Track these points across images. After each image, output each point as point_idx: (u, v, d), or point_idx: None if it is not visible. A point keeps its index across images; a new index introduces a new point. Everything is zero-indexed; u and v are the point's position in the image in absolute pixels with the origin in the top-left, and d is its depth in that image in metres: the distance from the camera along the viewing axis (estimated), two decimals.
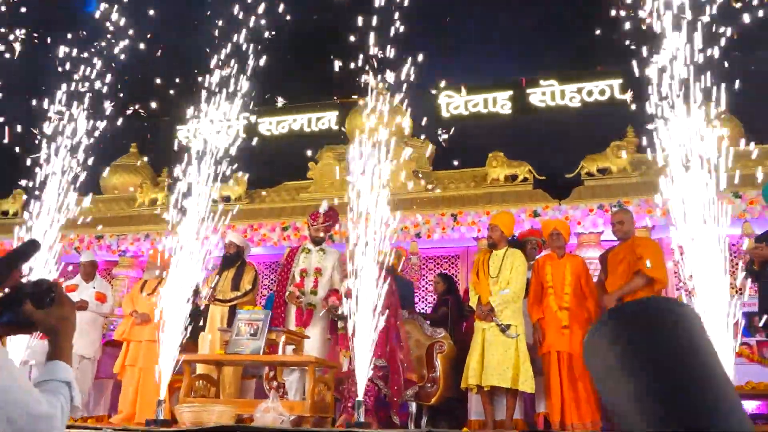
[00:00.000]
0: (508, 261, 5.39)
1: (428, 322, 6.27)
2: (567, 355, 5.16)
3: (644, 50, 4.27)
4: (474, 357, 5.25)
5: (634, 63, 4.35)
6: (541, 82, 10.25)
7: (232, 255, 6.42)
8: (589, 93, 9.99)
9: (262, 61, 7.75)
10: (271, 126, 11.33)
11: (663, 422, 0.95)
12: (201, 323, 6.11)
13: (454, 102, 10.57)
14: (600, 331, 1.13)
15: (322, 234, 6.33)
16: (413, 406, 5.60)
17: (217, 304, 6.18)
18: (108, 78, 6.58)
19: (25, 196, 10.55)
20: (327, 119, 11.16)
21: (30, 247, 1.19)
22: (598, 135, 9.28)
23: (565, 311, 5.24)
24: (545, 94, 10.21)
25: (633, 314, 1.13)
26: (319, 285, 6.07)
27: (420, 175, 8.46)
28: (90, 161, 6.69)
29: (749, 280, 5.19)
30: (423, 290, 9.00)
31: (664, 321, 1.10)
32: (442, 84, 10.42)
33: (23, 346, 6.36)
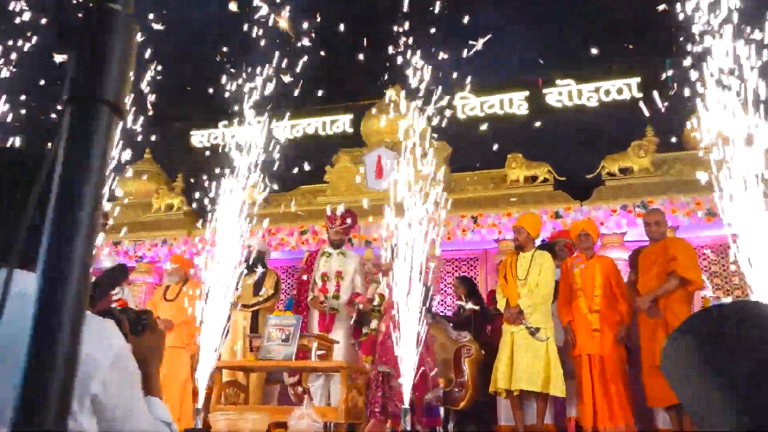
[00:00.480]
0: (536, 263, 5.32)
1: (451, 324, 6.20)
2: (598, 357, 5.08)
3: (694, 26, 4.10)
4: (503, 360, 5.18)
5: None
6: (558, 81, 10.16)
7: (254, 260, 6.37)
8: (607, 92, 9.90)
9: (277, 65, 7.72)
10: (285, 130, 11.28)
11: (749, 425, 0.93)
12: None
13: (469, 103, 10.49)
14: (682, 338, 1.10)
15: (343, 237, 6.29)
16: (441, 411, 5.53)
17: (240, 310, 6.13)
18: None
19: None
20: (341, 122, 11.12)
21: (120, 272, 1.14)
22: (617, 134, 9.18)
23: (596, 314, 5.16)
24: (562, 93, 10.12)
25: (717, 319, 1.09)
26: (341, 289, 6.02)
27: (447, 179, 8.40)
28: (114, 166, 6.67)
29: None
30: (442, 293, 8.92)
31: (749, 324, 1.06)
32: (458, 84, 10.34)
33: None
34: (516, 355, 5.12)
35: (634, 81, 9.81)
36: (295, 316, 4.46)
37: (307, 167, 9.87)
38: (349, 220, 6.34)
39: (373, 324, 5.21)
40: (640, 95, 9.73)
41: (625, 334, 5.16)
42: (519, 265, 5.38)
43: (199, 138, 11.87)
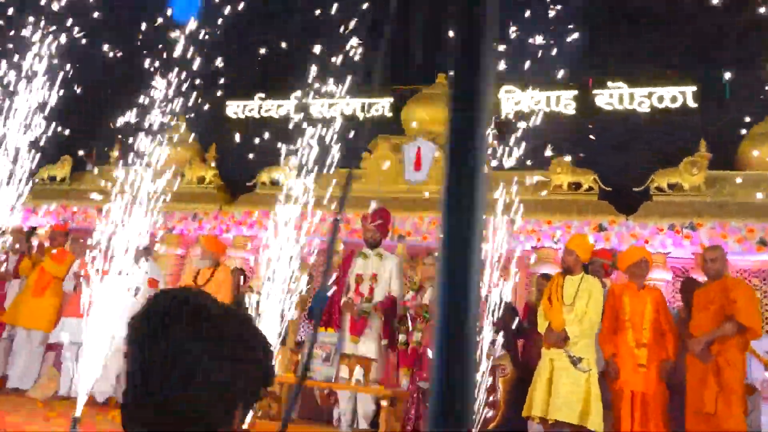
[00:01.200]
0: (585, 289, 5.10)
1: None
2: (641, 394, 4.89)
3: None
4: (540, 386, 5.00)
5: None
6: (609, 83, 9.77)
7: None
8: (660, 98, 9.49)
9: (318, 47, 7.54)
10: (323, 108, 11.03)
11: None
12: None
13: (514, 97, 10.15)
14: None
15: (376, 235, 6.09)
16: None
17: None
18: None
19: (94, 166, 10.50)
20: (381, 106, 10.83)
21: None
22: (667, 143, 8.83)
23: (644, 348, 4.95)
24: (612, 96, 9.74)
25: None
26: (375, 291, 5.85)
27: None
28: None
29: None
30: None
31: None
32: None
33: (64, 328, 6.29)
34: (556, 382, 4.94)
35: (690, 90, 9.39)
36: (336, 335, 4.32)
37: (341, 148, 9.64)
38: (382, 217, 6.16)
39: (416, 336, 5.05)
40: (695, 105, 9.33)
41: (671, 369, 4.97)
42: (566, 289, 5.17)
43: (234, 108, 11.65)
